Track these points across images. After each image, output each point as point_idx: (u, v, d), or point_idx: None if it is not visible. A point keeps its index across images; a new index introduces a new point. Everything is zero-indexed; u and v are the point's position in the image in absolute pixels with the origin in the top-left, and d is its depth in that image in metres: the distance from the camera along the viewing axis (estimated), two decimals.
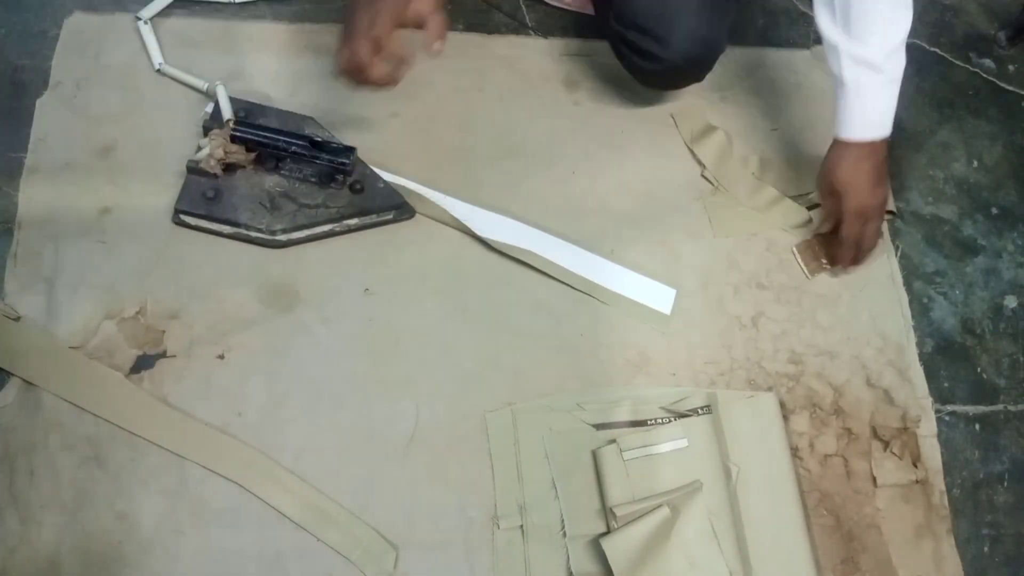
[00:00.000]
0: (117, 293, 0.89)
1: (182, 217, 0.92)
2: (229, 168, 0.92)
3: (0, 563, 0.76)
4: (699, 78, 1.02)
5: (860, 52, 0.85)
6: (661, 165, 1.07)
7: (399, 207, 0.96)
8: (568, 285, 0.96)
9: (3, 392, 0.83)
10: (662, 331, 0.96)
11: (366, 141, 0.99)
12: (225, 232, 0.92)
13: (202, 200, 0.91)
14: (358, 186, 0.94)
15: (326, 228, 0.94)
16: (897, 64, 0.87)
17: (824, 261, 1.01)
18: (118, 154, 0.97)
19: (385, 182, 0.96)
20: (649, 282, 0.98)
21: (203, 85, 1.00)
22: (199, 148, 0.93)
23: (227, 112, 0.94)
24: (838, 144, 0.92)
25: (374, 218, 0.95)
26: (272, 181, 0.93)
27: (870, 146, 0.91)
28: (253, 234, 0.92)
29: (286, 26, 1.09)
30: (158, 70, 1.01)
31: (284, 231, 0.92)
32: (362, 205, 0.94)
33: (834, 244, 0.98)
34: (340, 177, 0.93)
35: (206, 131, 0.93)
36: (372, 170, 0.96)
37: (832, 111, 0.92)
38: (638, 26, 0.94)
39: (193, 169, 0.92)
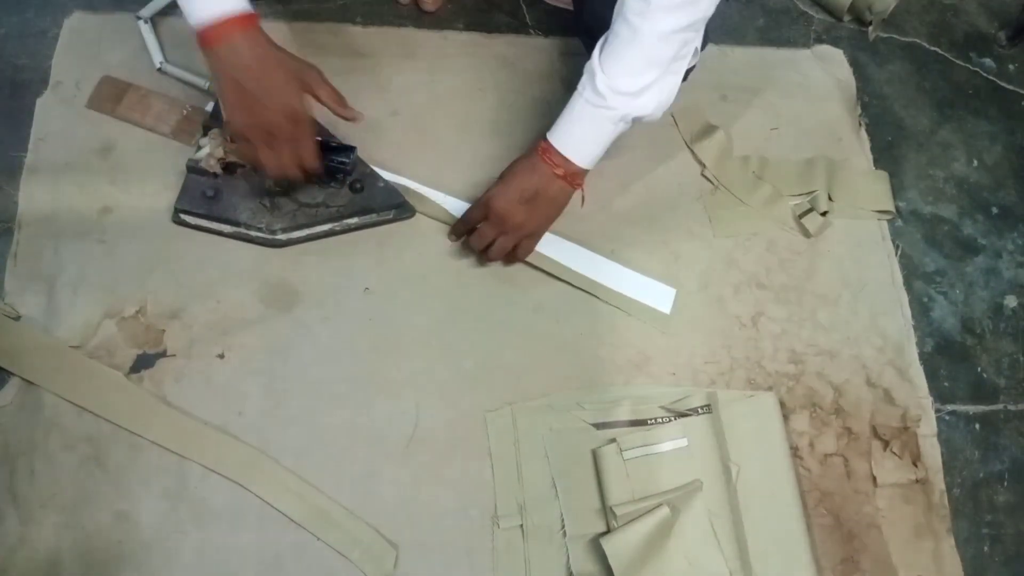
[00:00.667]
0: (117, 293, 0.89)
1: (182, 216, 0.92)
2: (229, 167, 0.92)
3: (0, 563, 0.76)
4: None
5: (595, 68, 0.79)
6: (661, 165, 1.06)
7: (399, 206, 0.96)
8: (568, 283, 0.96)
9: (3, 392, 0.83)
10: (662, 330, 0.96)
11: (366, 140, 0.99)
12: (225, 231, 0.92)
13: (202, 199, 0.91)
14: (358, 185, 0.94)
15: (326, 227, 0.94)
16: (623, 105, 0.80)
17: (112, 108, 0.96)
18: (118, 154, 0.97)
19: (385, 181, 0.95)
20: (649, 281, 0.98)
21: (204, 83, 1.00)
22: (198, 147, 0.93)
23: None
24: (533, 146, 0.86)
25: (374, 217, 0.95)
26: (271, 180, 0.93)
27: (550, 172, 0.84)
28: (253, 233, 0.92)
29: (286, 26, 1.09)
30: (159, 68, 1.01)
31: (284, 230, 0.92)
32: (362, 204, 0.94)
33: (459, 228, 0.94)
34: (340, 176, 0.93)
35: (206, 130, 0.93)
36: (372, 169, 0.96)
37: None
38: (604, 33, 0.93)
39: (193, 168, 0.91)
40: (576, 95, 0.83)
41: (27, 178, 0.94)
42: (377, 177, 0.95)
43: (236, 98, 0.77)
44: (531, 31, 1.15)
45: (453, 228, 0.96)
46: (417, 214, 0.97)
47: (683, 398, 0.91)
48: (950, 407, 0.98)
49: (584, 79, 0.82)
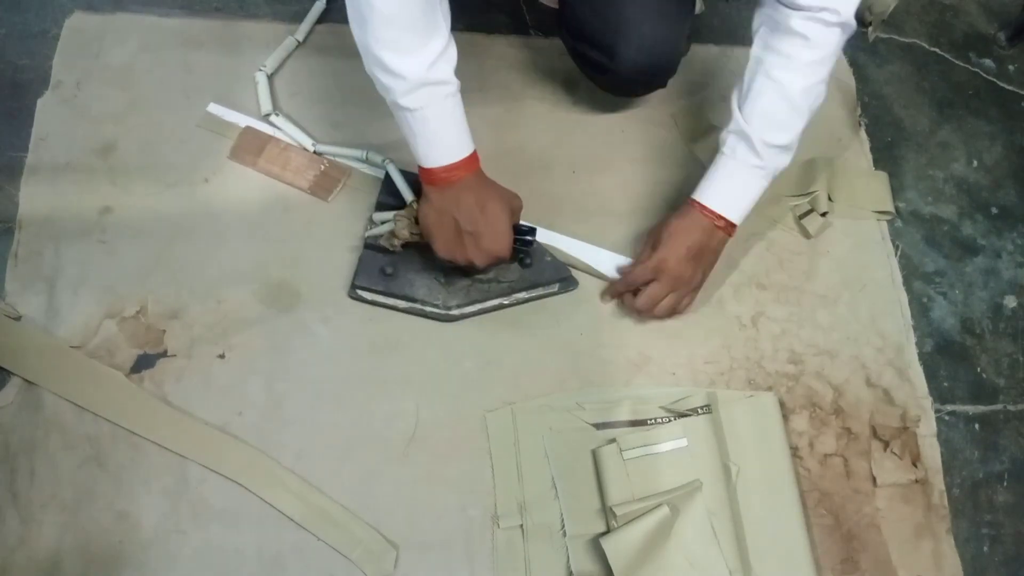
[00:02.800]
0: (117, 293, 0.89)
1: (359, 292, 0.91)
2: (406, 244, 0.91)
3: (0, 563, 0.76)
4: (661, 84, 1.01)
5: (745, 129, 0.83)
6: (661, 165, 1.07)
7: (564, 280, 0.96)
8: (582, 271, 0.96)
9: (3, 392, 0.83)
10: None
11: (365, 140, 0.99)
12: (400, 307, 0.92)
13: (380, 276, 0.91)
14: (528, 261, 0.93)
15: (496, 302, 0.94)
16: (773, 159, 0.84)
17: (253, 161, 0.96)
18: (118, 154, 0.97)
19: (551, 255, 0.95)
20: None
21: (360, 154, 0.99)
22: (371, 223, 0.93)
23: (407, 193, 0.93)
24: (687, 205, 0.88)
25: (541, 291, 0.95)
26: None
27: (711, 225, 0.87)
28: (428, 309, 0.92)
29: (286, 26, 1.09)
30: (266, 116, 1.00)
31: (458, 306, 0.92)
32: (531, 279, 0.94)
33: (620, 287, 0.94)
34: (521, 256, 0.92)
35: (380, 206, 0.94)
36: (540, 244, 0.95)
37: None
38: (588, 39, 0.93)
39: (372, 245, 0.92)
40: (725, 157, 0.85)
41: (27, 178, 0.94)
42: (544, 252, 0.95)
43: (451, 235, 0.82)
44: (531, 32, 1.15)
45: (611, 291, 0.95)
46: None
47: (683, 398, 0.91)
48: (950, 407, 0.98)
49: (732, 140, 0.84)
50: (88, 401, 0.83)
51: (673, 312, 0.92)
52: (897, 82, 1.20)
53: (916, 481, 0.92)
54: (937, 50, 1.24)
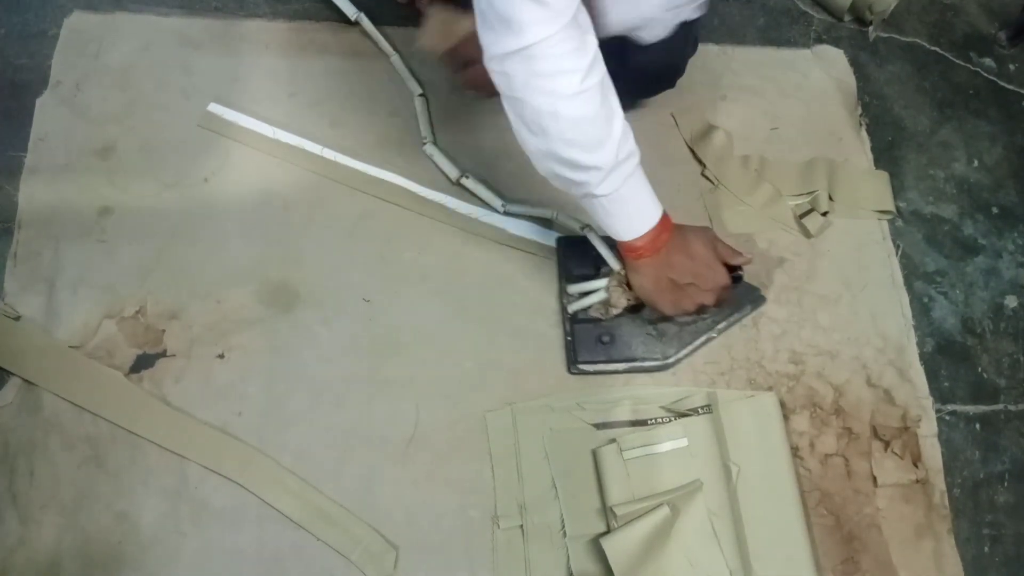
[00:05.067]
0: (117, 293, 0.89)
1: (582, 367, 0.91)
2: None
3: (0, 563, 0.76)
4: (670, 85, 1.01)
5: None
6: (661, 165, 1.06)
7: (755, 300, 0.97)
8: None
9: (3, 392, 0.83)
10: None
11: (366, 140, 0.99)
12: (621, 369, 0.92)
13: (599, 346, 0.91)
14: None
15: (704, 338, 0.94)
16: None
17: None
18: (118, 154, 0.97)
19: (740, 276, 0.92)
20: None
21: (550, 214, 0.98)
22: (568, 295, 0.93)
23: (613, 261, 0.90)
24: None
25: (738, 315, 0.96)
26: (647, 308, 0.91)
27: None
28: (648, 364, 0.92)
29: (286, 25, 1.09)
30: (457, 181, 0.99)
31: (675, 353, 0.92)
32: (729, 308, 0.95)
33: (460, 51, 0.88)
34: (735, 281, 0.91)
35: (571, 278, 0.93)
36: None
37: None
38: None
39: (581, 319, 0.92)
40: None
41: (27, 178, 0.94)
42: (738, 277, 0.92)
43: (672, 294, 0.84)
44: None
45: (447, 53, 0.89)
46: (408, 211, 0.97)
47: (683, 398, 0.91)
48: (950, 407, 0.98)
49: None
50: (87, 401, 0.83)
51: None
52: (898, 82, 1.20)
53: (917, 481, 0.92)
54: (938, 50, 1.24)
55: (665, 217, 0.81)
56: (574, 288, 0.93)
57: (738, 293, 0.94)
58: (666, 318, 0.91)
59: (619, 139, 0.72)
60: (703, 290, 0.84)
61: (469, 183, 0.99)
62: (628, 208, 0.77)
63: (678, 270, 0.82)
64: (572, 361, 0.91)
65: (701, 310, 0.87)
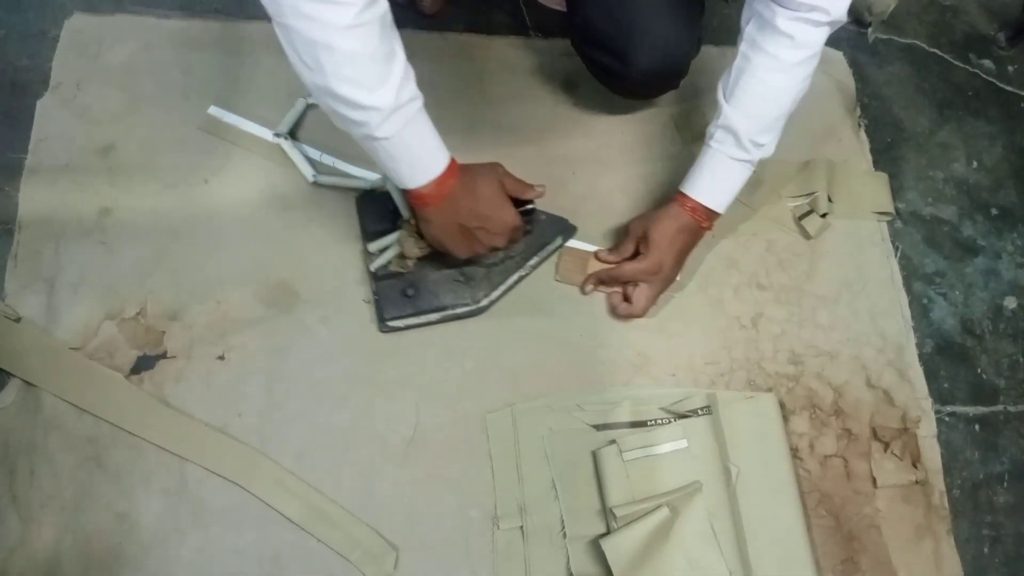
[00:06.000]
0: (117, 293, 0.89)
1: (391, 324, 0.90)
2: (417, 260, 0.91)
3: (0, 563, 0.76)
4: (673, 86, 1.01)
5: (733, 125, 0.84)
6: (661, 165, 1.07)
7: (565, 229, 0.97)
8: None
9: (3, 393, 0.83)
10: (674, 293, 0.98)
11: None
12: (434, 319, 0.91)
13: (404, 300, 0.90)
14: (528, 227, 0.93)
15: (515, 277, 0.94)
16: (758, 153, 0.86)
17: (582, 280, 0.96)
18: (118, 155, 0.97)
19: (546, 213, 0.96)
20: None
21: (366, 184, 0.98)
22: (371, 254, 0.92)
23: (404, 209, 0.90)
24: (676, 204, 0.90)
25: (549, 249, 0.96)
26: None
27: (698, 226, 0.90)
28: (460, 310, 0.91)
29: None
30: (313, 182, 0.98)
31: (486, 295, 0.92)
32: (536, 243, 0.95)
33: (604, 276, 0.95)
34: (526, 221, 0.91)
35: (370, 235, 0.92)
36: (532, 207, 0.94)
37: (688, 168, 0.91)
38: (599, 44, 0.93)
39: (383, 276, 0.91)
40: (713, 150, 0.87)
41: (27, 179, 0.94)
42: (538, 212, 0.94)
43: (463, 239, 0.83)
44: (531, 33, 1.15)
45: (594, 279, 0.96)
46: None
47: (683, 399, 0.91)
48: (950, 408, 0.98)
49: (720, 134, 0.86)
50: (88, 402, 0.83)
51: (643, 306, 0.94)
52: (897, 83, 1.20)
53: (916, 482, 0.92)
54: (937, 51, 1.24)
55: (452, 164, 0.78)
56: (373, 245, 0.92)
57: (544, 225, 0.94)
58: (471, 261, 0.89)
59: (400, 80, 0.69)
60: (493, 233, 0.83)
61: (285, 145, 0.99)
62: (411, 154, 0.75)
63: (465, 215, 0.80)
64: (380, 319, 0.90)
65: (499, 251, 0.87)
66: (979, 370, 1.01)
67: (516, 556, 0.82)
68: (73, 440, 0.82)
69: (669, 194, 1.04)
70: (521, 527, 0.83)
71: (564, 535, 0.83)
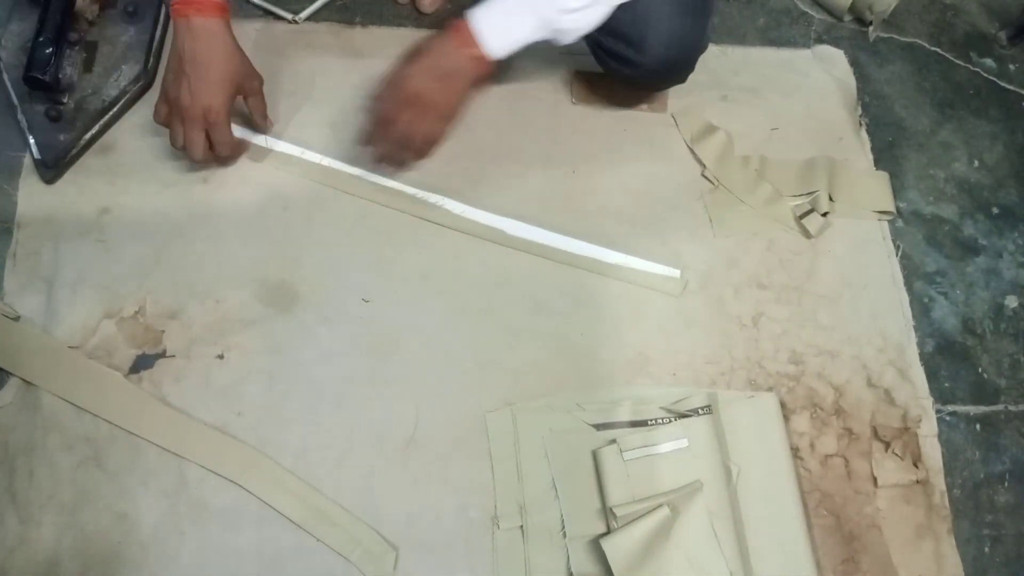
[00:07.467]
0: (116, 293, 0.89)
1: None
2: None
3: (0, 563, 0.76)
4: (681, 79, 1.01)
5: None
6: (661, 165, 1.06)
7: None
8: (578, 268, 0.97)
9: (3, 392, 0.83)
10: (675, 294, 0.97)
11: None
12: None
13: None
14: (131, 9, 0.97)
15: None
16: (554, 13, 0.84)
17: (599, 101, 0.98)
18: (118, 154, 0.97)
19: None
20: (652, 264, 0.99)
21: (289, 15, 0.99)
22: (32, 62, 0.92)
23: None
24: (454, 25, 0.87)
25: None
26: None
27: (469, 49, 0.86)
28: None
29: (285, 25, 1.08)
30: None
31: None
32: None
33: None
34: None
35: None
36: None
37: None
38: (613, 32, 0.93)
39: (36, 81, 0.93)
40: None
41: (27, 178, 0.94)
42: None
43: (174, 73, 0.84)
44: None
45: (365, 140, 0.95)
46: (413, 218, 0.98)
47: (683, 399, 0.90)
48: (951, 407, 0.98)
49: None
50: (87, 402, 0.83)
51: (415, 137, 0.92)
52: (898, 82, 1.20)
53: (917, 482, 0.91)
54: (938, 50, 1.24)
55: (215, 6, 0.82)
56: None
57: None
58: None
59: None
60: (195, 97, 0.84)
61: None
62: None
63: (191, 55, 0.83)
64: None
65: (183, 119, 0.87)
66: (980, 369, 1.01)
67: (516, 556, 0.82)
68: (72, 439, 0.82)
69: (669, 193, 1.05)
70: (521, 527, 0.83)
71: (564, 535, 0.83)
